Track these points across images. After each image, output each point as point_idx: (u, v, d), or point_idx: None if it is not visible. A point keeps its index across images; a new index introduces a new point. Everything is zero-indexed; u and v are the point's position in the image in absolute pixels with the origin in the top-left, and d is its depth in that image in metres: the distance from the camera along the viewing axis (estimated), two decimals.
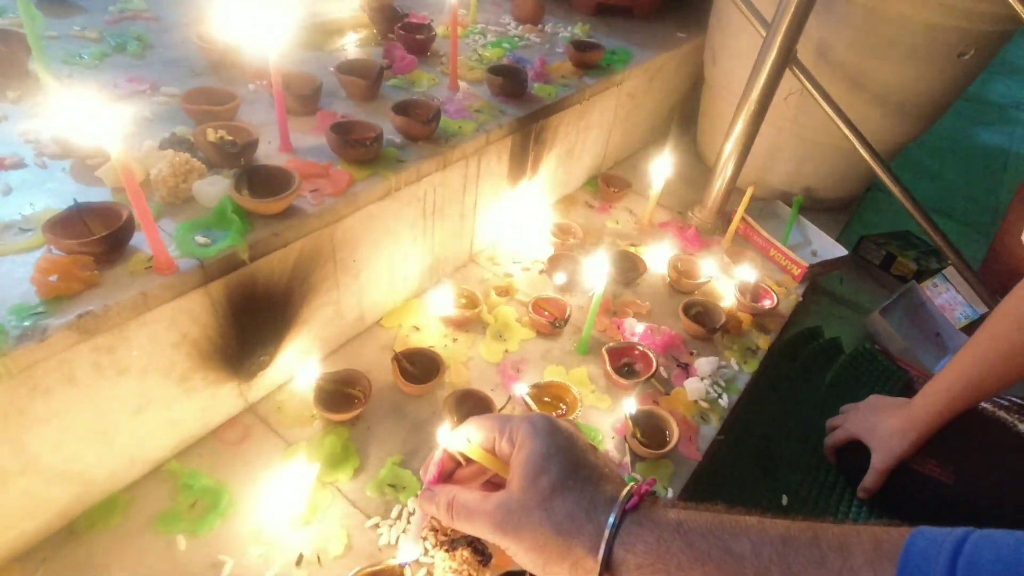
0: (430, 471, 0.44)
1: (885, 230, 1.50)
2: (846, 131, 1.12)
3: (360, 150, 0.80)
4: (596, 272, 0.92)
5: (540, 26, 1.40)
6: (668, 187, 1.27)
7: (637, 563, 0.34)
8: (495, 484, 0.41)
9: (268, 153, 0.82)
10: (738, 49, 1.33)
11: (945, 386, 0.81)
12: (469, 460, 0.42)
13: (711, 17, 1.45)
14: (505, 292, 1.06)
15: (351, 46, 1.16)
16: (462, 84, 1.08)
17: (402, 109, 0.89)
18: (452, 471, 0.44)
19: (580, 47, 1.21)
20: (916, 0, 1.10)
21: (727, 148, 1.25)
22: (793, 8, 1.03)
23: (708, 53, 1.49)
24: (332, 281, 0.84)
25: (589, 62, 1.21)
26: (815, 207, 1.50)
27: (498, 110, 1.02)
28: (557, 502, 0.35)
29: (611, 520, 0.34)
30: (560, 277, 1.09)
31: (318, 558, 0.67)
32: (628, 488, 0.36)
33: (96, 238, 0.59)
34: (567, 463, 0.37)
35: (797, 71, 1.12)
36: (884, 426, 0.86)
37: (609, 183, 1.38)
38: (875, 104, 1.26)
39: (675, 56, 1.49)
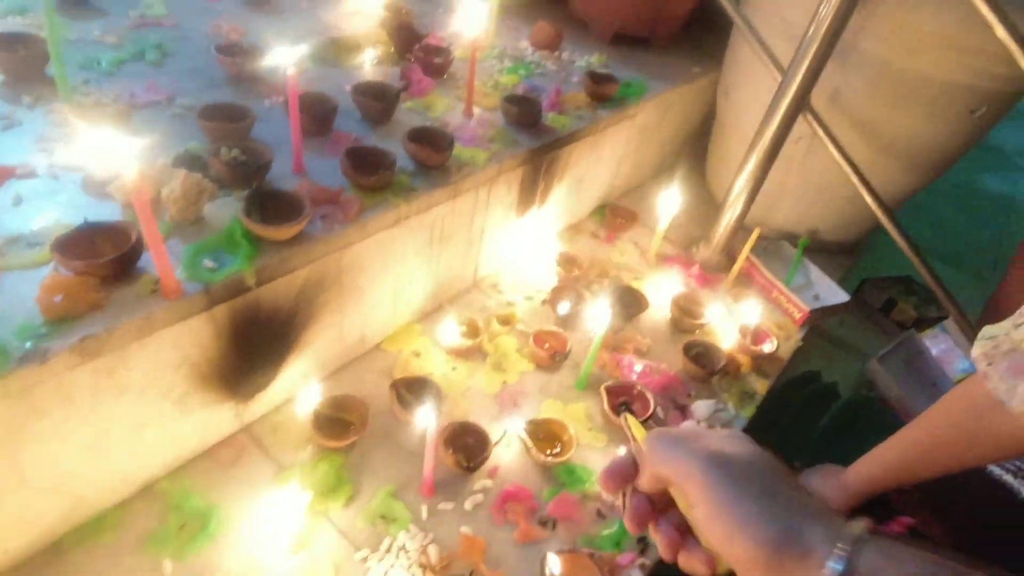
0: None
1: (891, 272, 1.50)
2: (854, 179, 1.12)
3: (373, 178, 0.80)
4: (598, 314, 0.91)
5: (557, 53, 1.41)
6: (675, 221, 1.26)
7: None
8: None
9: (281, 173, 0.82)
10: (752, 89, 1.34)
11: (879, 458, 0.81)
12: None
13: (727, 52, 1.46)
14: (507, 321, 1.06)
15: (368, 63, 1.16)
16: (476, 110, 1.09)
17: (417, 137, 0.89)
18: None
19: (596, 79, 1.21)
20: (933, 57, 1.11)
21: (737, 186, 1.25)
22: (811, 56, 1.04)
23: (722, 89, 1.50)
24: (336, 304, 0.83)
25: (604, 94, 1.22)
26: (820, 248, 1.50)
27: (511, 139, 1.03)
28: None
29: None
30: (563, 308, 1.09)
31: None
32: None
33: (104, 261, 0.59)
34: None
35: (811, 118, 1.13)
36: (822, 491, 0.85)
37: (616, 214, 1.38)
38: (885, 153, 1.27)
39: (689, 91, 1.49)
